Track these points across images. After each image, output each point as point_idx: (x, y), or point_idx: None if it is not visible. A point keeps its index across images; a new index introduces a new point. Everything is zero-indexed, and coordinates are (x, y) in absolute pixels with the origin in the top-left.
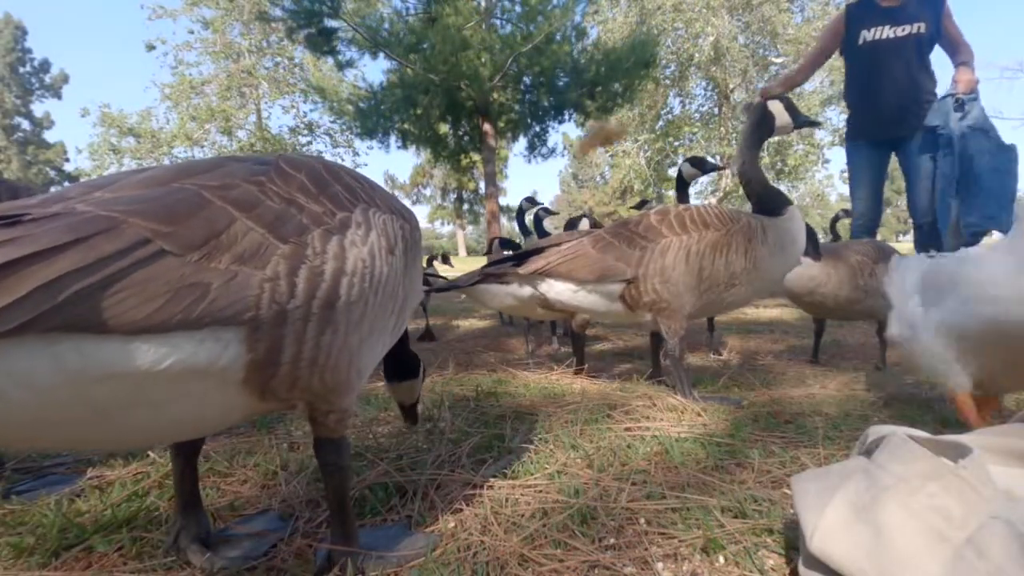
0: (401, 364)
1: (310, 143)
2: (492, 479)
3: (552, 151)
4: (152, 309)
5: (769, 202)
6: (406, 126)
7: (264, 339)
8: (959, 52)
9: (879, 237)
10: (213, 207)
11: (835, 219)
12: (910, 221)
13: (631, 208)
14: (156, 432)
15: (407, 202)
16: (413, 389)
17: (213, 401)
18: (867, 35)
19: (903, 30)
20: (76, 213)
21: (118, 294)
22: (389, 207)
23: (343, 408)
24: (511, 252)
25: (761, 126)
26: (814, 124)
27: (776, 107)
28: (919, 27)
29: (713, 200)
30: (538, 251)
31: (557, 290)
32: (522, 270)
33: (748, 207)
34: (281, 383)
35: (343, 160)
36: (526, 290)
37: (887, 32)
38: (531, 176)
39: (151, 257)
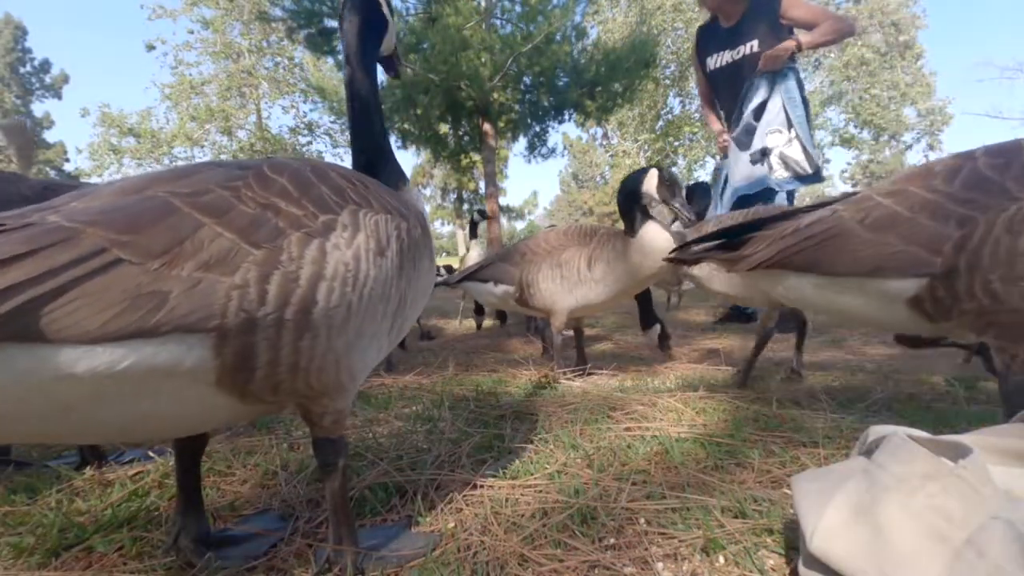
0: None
1: (310, 143)
2: (492, 479)
3: (552, 151)
4: (107, 318)
5: None
6: (406, 126)
7: (233, 345)
8: (814, 32)
9: None
10: (179, 214)
11: None
12: None
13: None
14: (135, 426)
15: None
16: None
17: (189, 399)
18: (711, 62)
19: (738, 53)
20: (41, 224)
21: (71, 304)
22: (384, 207)
23: (338, 409)
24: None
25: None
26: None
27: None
28: (751, 46)
29: None
30: (749, 227)
31: (789, 286)
32: (742, 266)
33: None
34: (261, 386)
35: (343, 160)
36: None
37: (726, 57)
38: (531, 176)
39: (107, 266)
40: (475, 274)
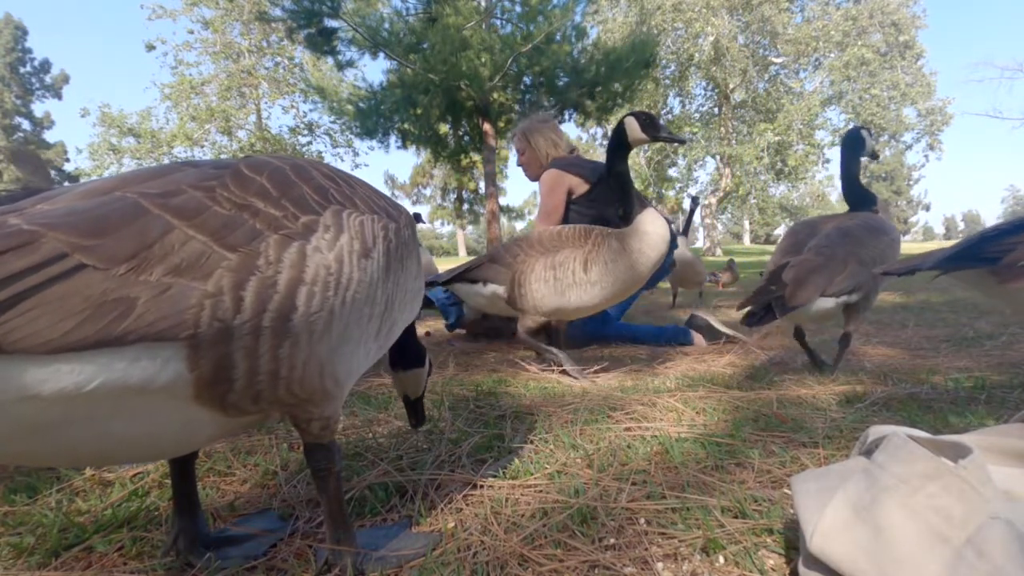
0: (405, 351)
1: (310, 143)
2: (492, 479)
3: None
4: (69, 327)
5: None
6: (406, 126)
7: (209, 355)
8: None
9: None
10: (148, 216)
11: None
12: (910, 221)
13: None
14: (115, 448)
15: (406, 202)
16: (419, 380)
17: (169, 418)
18: None
19: None
20: (1, 227)
21: (29, 313)
22: (370, 207)
23: (325, 416)
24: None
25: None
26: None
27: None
28: None
29: (713, 200)
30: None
31: None
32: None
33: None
34: (242, 397)
35: (342, 161)
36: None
37: None
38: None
39: (68, 272)
40: (464, 275)
